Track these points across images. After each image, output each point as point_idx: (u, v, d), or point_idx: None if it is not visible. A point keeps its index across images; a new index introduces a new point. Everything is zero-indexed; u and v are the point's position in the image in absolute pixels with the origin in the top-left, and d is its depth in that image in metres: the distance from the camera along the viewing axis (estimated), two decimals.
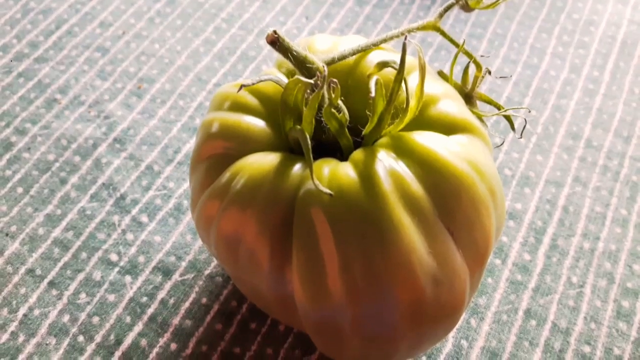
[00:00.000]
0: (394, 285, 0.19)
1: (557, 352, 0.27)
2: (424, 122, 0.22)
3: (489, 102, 0.25)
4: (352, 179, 0.20)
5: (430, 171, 0.20)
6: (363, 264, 0.19)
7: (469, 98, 0.26)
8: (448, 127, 0.21)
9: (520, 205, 0.31)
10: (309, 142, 0.20)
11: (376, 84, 0.20)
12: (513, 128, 0.25)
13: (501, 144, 0.28)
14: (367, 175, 0.20)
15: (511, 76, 0.36)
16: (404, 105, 0.21)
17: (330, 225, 0.19)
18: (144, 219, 0.30)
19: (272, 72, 0.24)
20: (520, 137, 0.25)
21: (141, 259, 0.29)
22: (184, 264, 0.29)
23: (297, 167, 0.21)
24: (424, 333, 0.20)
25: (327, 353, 0.22)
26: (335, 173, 0.20)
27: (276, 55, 0.36)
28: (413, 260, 0.19)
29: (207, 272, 0.29)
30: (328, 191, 0.19)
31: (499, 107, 0.25)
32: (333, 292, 0.20)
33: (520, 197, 0.32)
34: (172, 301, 0.28)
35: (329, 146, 0.22)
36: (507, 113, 0.25)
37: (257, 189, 0.21)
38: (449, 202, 0.20)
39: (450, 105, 0.22)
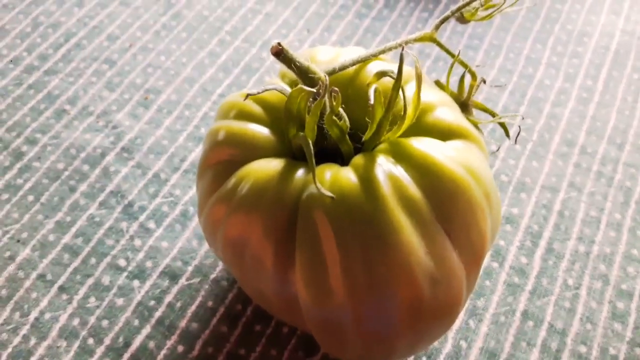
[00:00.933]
0: (394, 285, 0.20)
1: (554, 352, 0.28)
2: (421, 128, 0.23)
3: (484, 110, 0.26)
4: (352, 182, 0.21)
5: (428, 175, 0.21)
6: (364, 264, 0.20)
7: (465, 106, 0.27)
8: (444, 133, 0.22)
9: (516, 210, 0.32)
10: (312, 147, 0.21)
11: (375, 92, 0.21)
12: (508, 134, 0.26)
13: (497, 150, 0.29)
14: (367, 179, 0.21)
15: (505, 84, 0.37)
16: (402, 113, 0.21)
17: (332, 227, 0.20)
18: (151, 225, 0.31)
19: (275, 83, 0.25)
20: (515, 143, 0.26)
21: (149, 264, 0.30)
22: (190, 268, 0.30)
23: (300, 172, 0.22)
24: (422, 331, 0.21)
25: (330, 352, 0.23)
26: (337, 177, 0.21)
27: (278, 67, 0.38)
28: (412, 261, 0.20)
29: (212, 276, 0.30)
30: (330, 194, 0.20)
31: (493, 115, 0.26)
32: (335, 292, 0.20)
33: (516, 202, 0.32)
34: (179, 305, 0.29)
35: (330, 152, 0.23)
36: (501, 120, 0.26)
37: (262, 194, 0.22)
38: (445, 204, 0.21)
39: (446, 112, 0.23)
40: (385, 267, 0.20)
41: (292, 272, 0.22)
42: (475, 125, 0.26)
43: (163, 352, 0.27)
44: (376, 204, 0.20)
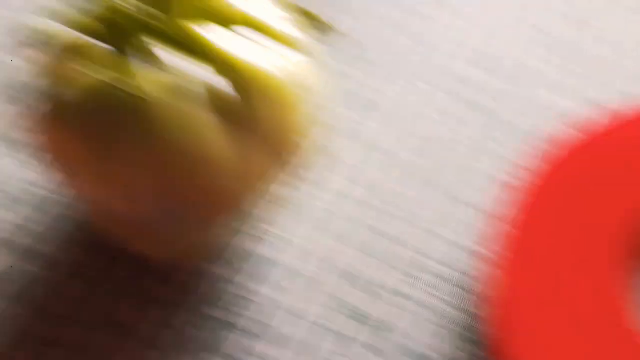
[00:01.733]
0: (192, 178, 0.21)
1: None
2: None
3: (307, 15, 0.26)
4: (162, 83, 0.21)
5: (231, 72, 0.21)
6: (165, 163, 0.21)
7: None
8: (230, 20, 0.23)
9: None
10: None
11: None
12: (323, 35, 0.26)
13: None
14: (177, 79, 0.21)
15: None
16: None
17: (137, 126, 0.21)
18: None
19: None
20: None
21: None
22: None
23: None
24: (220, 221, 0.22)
25: (141, 249, 0.24)
26: (146, 79, 0.21)
27: None
28: (212, 155, 0.21)
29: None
30: (141, 94, 0.21)
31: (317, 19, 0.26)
32: (136, 190, 0.21)
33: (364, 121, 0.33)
34: None
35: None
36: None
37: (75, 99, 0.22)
38: (253, 102, 0.22)
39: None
40: (185, 159, 0.21)
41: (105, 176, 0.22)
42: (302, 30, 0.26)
43: None
44: (183, 102, 0.21)
